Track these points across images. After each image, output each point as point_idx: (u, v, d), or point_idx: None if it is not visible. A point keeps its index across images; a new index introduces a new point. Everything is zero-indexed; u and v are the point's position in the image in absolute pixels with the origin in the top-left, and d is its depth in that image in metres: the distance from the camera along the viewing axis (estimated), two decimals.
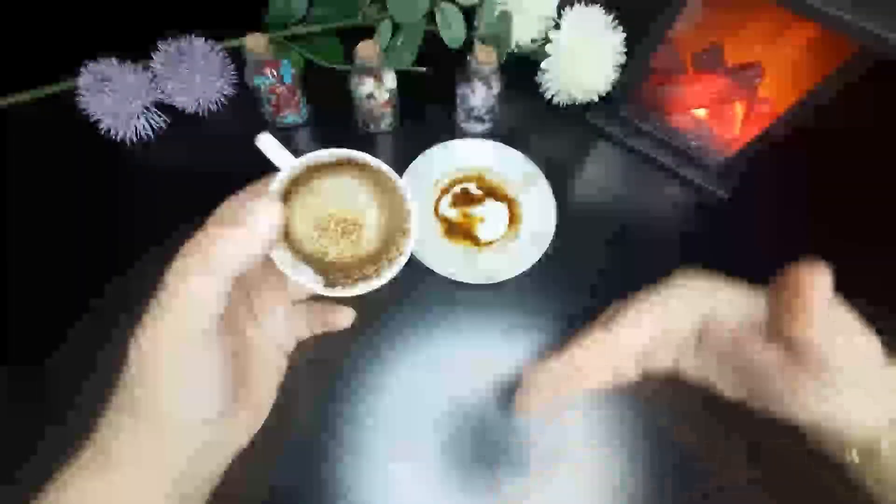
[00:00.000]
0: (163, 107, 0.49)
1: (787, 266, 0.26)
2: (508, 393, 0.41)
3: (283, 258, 0.24)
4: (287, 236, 0.25)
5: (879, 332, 0.27)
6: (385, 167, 0.25)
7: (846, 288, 0.27)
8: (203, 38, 0.49)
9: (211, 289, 0.21)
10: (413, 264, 0.26)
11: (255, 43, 0.43)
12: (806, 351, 0.25)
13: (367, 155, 0.24)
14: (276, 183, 0.23)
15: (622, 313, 0.30)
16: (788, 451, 0.40)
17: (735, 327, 0.28)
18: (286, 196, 0.24)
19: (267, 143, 0.24)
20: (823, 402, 0.26)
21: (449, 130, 0.52)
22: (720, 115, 0.52)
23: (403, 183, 0.25)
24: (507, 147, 0.51)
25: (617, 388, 0.32)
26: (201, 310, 0.21)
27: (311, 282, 0.25)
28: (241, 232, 0.21)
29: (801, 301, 0.25)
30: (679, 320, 0.30)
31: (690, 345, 0.31)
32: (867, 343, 0.26)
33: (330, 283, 0.25)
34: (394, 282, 0.26)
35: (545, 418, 0.40)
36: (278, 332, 0.29)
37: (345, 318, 0.30)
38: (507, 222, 0.48)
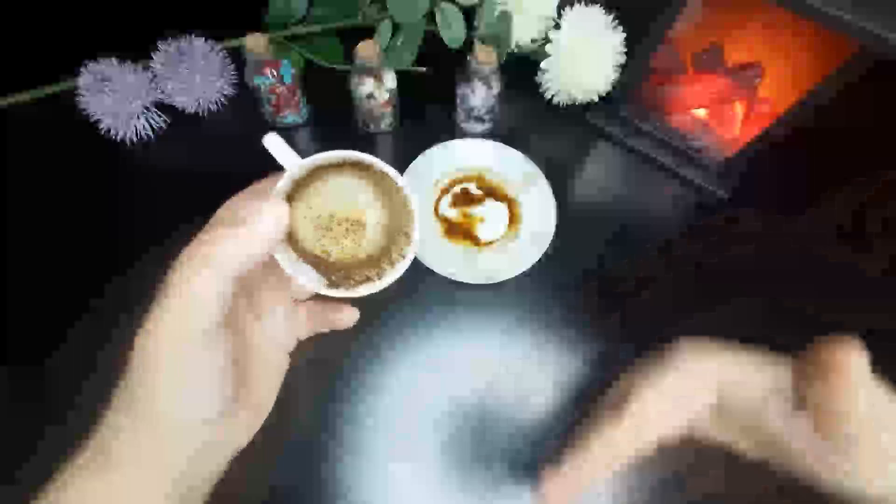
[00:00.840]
0: (163, 107, 0.49)
1: (819, 340, 0.26)
2: (508, 392, 0.41)
3: (285, 258, 0.24)
4: (289, 236, 0.25)
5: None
6: (391, 170, 0.24)
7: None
8: (203, 38, 0.49)
9: (213, 289, 0.21)
10: (413, 264, 0.26)
11: (255, 43, 0.43)
12: (840, 426, 0.25)
13: (375, 158, 0.24)
14: (282, 183, 0.23)
15: (631, 402, 0.29)
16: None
17: (757, 396, 0.28)
18: (288, 196, 0.24)
19: (274, 143, 0.24)
20: (846, 467, 0.26)
21: (449, 130, 0.52)
22: (720, 115, 0.52)
23: (407, 186, 0.25)
24: (507, 147, 0.51)
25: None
26: (203, 310, 0.21)
27: (312, 282, 0.25)
28: (244, 232, 0.21)
29: (841, 380, 0.25)
30: (695, 401, 0.29)
31: (706, 416, 0.30)
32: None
33: (332, 285, 0.25)
34: (394, 281, 0.26)
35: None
36: (279, 331, 0.29)
37: (348, 317, 0.30)
38: (507, 222, 0.48)
